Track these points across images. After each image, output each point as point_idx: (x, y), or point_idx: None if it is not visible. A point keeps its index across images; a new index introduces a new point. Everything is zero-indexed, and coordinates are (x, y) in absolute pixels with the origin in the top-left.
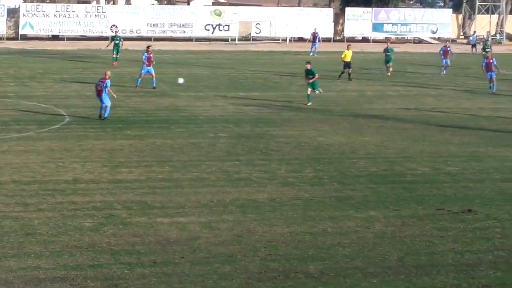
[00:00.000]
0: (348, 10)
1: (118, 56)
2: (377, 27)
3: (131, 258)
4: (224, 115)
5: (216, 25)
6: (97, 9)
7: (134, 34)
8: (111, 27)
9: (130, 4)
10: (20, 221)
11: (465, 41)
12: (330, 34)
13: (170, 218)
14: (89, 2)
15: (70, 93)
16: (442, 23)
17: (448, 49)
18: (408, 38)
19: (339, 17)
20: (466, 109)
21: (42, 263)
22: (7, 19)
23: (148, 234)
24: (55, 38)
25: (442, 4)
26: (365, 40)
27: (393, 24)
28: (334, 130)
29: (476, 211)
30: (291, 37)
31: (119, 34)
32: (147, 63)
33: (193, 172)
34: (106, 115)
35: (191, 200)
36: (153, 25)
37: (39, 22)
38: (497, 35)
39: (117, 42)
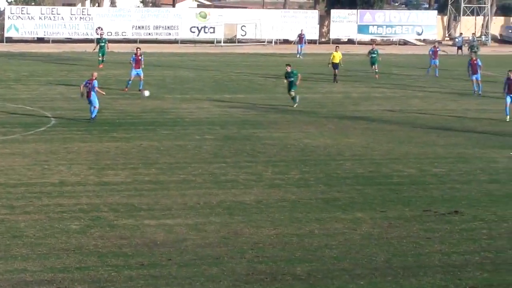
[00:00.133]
0: (334, 12)
1: (104, 58)
2: (362, 29)
3: (118, 260)
4: (210, 117)
5: (202, 27)
6: (82, 12)
7: (120, 37)
8: (97, 29)
9: (115, 6)
10: (6, 223)
11: (450, 42)
12: (315, 36)
13: (157, 220)
14: (74, 5)
15: (56, 95)
16: (427, 25)
17: (437, 49)
18: (394, 40)
19: (324, 19)
20: (452, 110)
21: (29, 266)
22: None
23: (135, 236)
24: (40, 40)
25: (427, 6)
26: (350, 42)
27: (378, 26)
28: (320, 132)
29: (462, 212)
30: (277, 39)
31: (105, 36)
32: (134, 65)
33: (180, 174)
34: (93, 115)
35: (177, 202)
36: (139, 27)
37: (24, 25)
38: (482, 36)
39: (102, 44)
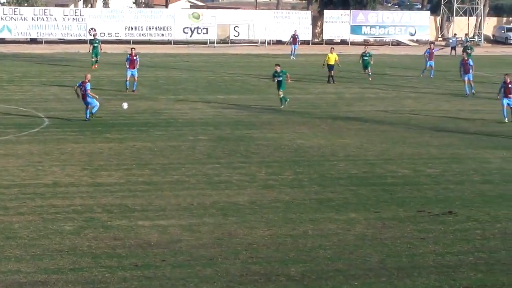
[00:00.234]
0: (327, 12)
1: (98, 59)
2: (355, 29)
3: (112, 261)
4: (204, 118)
5: (195, 28)
6: (75, 13)
7: (113, 38)
8: (89, 30)
9: (108, 7)
10: (0, 225)
11: (443, 43)
12: (308, 37)
13: (150, 221)
14: (67, 6)
15: (49, 96)
16: (420, 25)
17: (433, 50)
18: (387, 40)
19: (317, 19)
20: (445, 111)
21: (22, 267)
22: None
23: (129, 237)
24: (33, 41)
25: (420, 6)
26: (343, 42)
27: (371, 26)
28: (313, 133)
29: (456, 213)
30: (270, 40)
31: (98, 37)
32: (128, 66)
33: (173, 175)
34: (94, 111)
35: (171, 203)
36: (132, 28)
37: (17, 26)
38: (475, 37)
39: (95, 45)
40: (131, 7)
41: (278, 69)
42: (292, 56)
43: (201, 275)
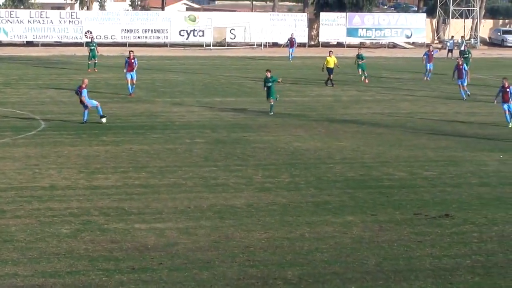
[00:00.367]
0: (323, 15)
1: (96, 61)
2: (351, 32)
3: (109, 264)
4: (200, 121)
5: (191, 30)
6: (71, 15)
7: (109, 40)
8: (86, 33)
9: (104, 10)
10: None
11: (439, 45)
12: (304, 39)
13: (147, 224)
14: (63, 8)
15: (46, 99)
16: (416, 27)
17: (432, 53)
18: (383, 43)
19: (313, 22)
20: (442, 113)
21: (20, 270)
22: None
23: (126, 241)
24: (29, 44)
25: (416, 9)
26: (340, 45)
27: (367, 29)
28: (310, 135)
29: (453, 215)
30: (266, 43)
31: (94, 40)
32: (126, 69)
33: (170, 178)
34: (100, 113)
35: (168, 206)
36: (128, 30)
37: (13, 28)
38: (472, 39)
39: (92, 48)
40: (128, 10)
41: (269, 74)
42: (290, 60)
43: (198, 279)
